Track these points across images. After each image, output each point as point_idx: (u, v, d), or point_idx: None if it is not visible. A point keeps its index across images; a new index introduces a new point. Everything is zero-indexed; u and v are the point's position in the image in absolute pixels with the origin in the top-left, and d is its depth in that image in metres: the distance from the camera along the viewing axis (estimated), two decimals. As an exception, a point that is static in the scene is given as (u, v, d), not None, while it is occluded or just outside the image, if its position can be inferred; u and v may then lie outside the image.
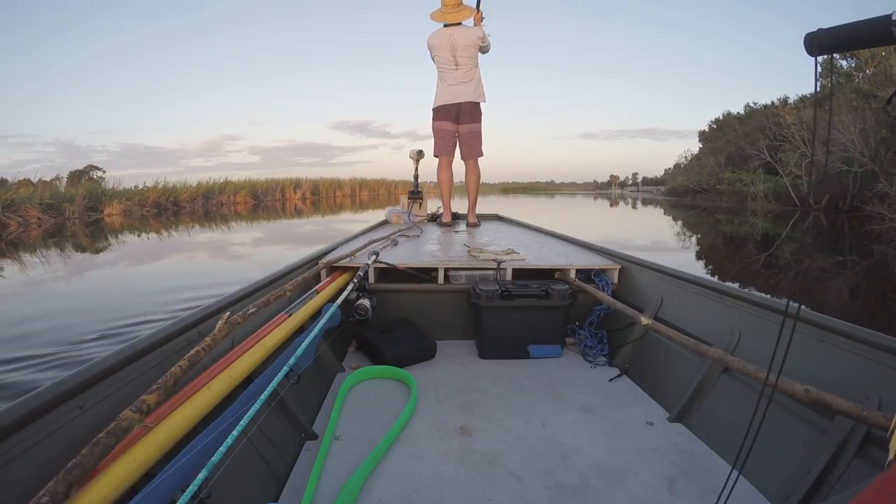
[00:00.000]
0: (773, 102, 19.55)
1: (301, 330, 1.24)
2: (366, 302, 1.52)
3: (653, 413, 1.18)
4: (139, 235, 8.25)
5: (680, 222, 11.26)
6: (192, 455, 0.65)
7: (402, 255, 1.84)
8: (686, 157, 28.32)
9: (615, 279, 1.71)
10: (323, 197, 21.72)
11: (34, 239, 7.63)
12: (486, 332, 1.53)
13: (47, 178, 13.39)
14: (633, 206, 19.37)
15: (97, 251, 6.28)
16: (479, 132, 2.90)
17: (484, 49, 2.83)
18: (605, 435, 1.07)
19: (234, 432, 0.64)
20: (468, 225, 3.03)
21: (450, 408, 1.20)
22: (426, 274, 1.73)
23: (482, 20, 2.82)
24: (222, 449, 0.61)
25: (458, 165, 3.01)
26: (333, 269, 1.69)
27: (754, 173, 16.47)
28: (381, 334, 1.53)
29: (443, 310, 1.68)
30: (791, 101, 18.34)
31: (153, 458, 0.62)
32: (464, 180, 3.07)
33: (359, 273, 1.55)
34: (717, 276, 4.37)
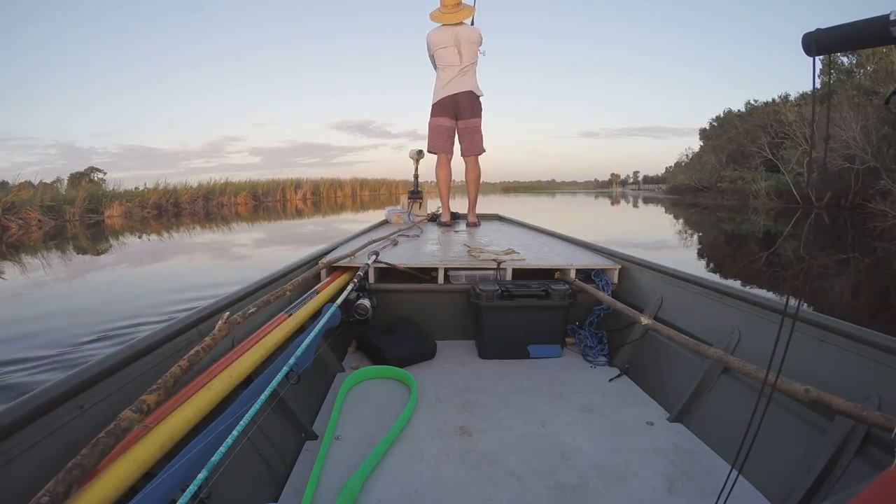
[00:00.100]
0: (774, 100, 19.52)
1: (301, 330, 1.24)
2: (366, 302, 1.52)
3: (653, 413, 1.18)
4: (140, 237, 8.27)
5: (681, 221, 11.24)
6: (192, 455, 0.65)
7: (402, 255, 1.84)
8: (687, 156, 28.27)
9: (615, 279, 1.71)
10: (324, 197, 21.74)
11: (35, 241, 7.65)
12: (486, 332, 1.53)
13: (48, 181, 13.44)
14: (635, 205, 19.34)
15: (98, 253, 6.30)
16: (480, 127, 2.89)
17: (481, 50, 2.83)
18: (605, 435, 1.07)
19: (234, 432, 0.64)
20: (468, 225, 3.02)
21: (450, 408, 1.20)
22: (426, 274, 1.73)
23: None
24: (222, 449, 0.61)
25: (457, 165, 3.00)
26: (333, 269, 1.69)
27: (756, 171, 16.43)
28: (381, 334, 1.53)
29: (443, 310, 1.68)
30: (792, 98, 18.30)
31: (153, 458, 0.63)
32: (464, 178, 3.06)
33: (359, 273, 1.55)
34: (718, 275, 4.36)
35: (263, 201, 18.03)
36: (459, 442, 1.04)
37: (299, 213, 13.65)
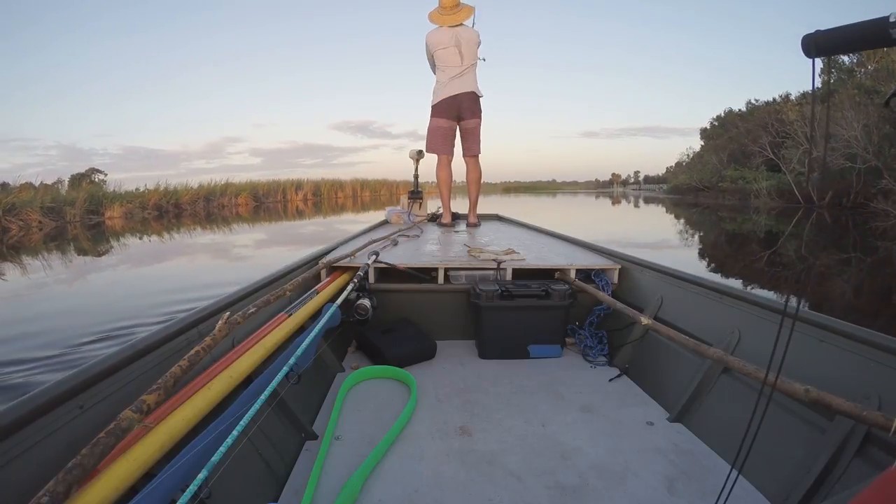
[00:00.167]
0: (775, 99, 19.50)
1: (301, 330, 1.24)
2: (366, 302, 1.52)
3: (653, 413, 1.18)
4: (140, 238, 8.28)
5: (682, 220, 11.23)
6: (192, 455, 0.66)
7: (402, 255, 1.84)
8: (688, 155, 28.24)
9: (615, 279, 1.71)
10: (324, 198, 21.75)
11: (35, 242, 7.66)
12: (486, 332, 1.53)
13: (49, 182, 13.48)
14: (636, 205, 19.33)
15: (98, 254, 6.30)
16: (480, 128, 2.90)
17: (481, 56, 2.84)
18: (605, 435, 1.07)
19: (234, 432, 0.64)
20: (468, 225, 3.02)
21: (450, 408, 1.20)
22: (426, 274, 1.73)
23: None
24: (222, 449, 0.61)
25: (457, 165, 3.01)
26: (333, 269, 1.69)
27: (757, 170, 16.40)
28: (381, 334, 1.53)
29: (443, 310, 1.68)
30: (793, 97, 18.27)
31: (153, 458, 0.63)
32: (464, 179, 3.06)
33: (359, 273, 1.55)
34: (720, 275, 4.36)
35: (264, 202, 18.05)
36: (459, 442, 1.04)
37: (300, 214, 13.66)
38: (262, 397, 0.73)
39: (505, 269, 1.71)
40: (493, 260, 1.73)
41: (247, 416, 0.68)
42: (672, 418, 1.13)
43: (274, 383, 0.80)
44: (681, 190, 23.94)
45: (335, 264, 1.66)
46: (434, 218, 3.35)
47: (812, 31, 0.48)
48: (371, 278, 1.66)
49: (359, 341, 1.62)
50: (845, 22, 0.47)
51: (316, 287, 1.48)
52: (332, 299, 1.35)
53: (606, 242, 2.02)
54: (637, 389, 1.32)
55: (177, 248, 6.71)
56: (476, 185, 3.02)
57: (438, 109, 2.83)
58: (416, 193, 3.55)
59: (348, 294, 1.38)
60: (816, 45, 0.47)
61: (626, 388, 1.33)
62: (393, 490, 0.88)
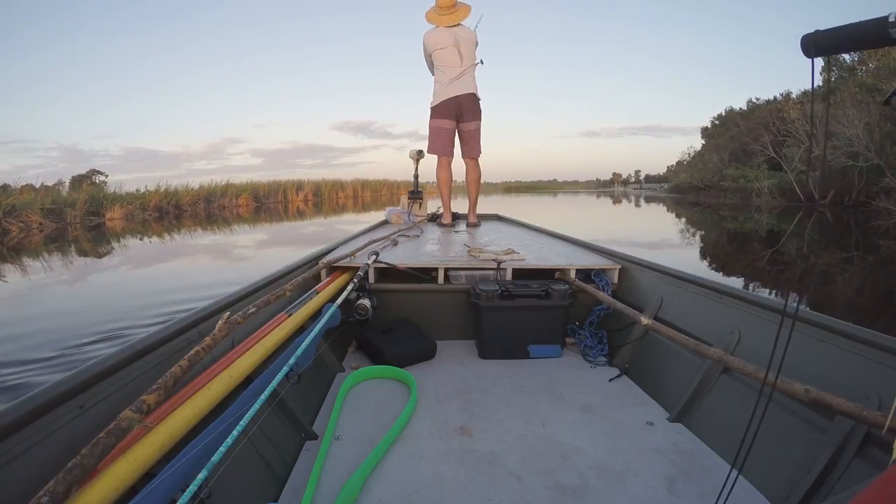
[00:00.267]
0: (776, 97, 19.45)
1: (301, 330, 1.24)
2: (366, 302, 1.53)
3: (653, 413, 1.18)
4: (141, 239, 8.30)
5: (683, 219, 11.22)
6: (192, 455, 0.66)
7: (402, 255, 1.84)
8: (689, 154, 28.19)
9: (615, 279, 1.71)
10: (325, 198, 21.76)
11: (36, 244, 7.68)
12: (486, 332, 1.53)
13: (49, 183, 13.53)
14: (637, 205, 19.31)
15: (99, 255, 6.32)
16: (480, 130, 2.90)
17: (479, 59, 2.84)
18: (605, 435, 1.07)
19: (234, 432, 0.64)
20: (468, 225, 3.02)
21: (450, 408, 1.20)
22: (426, 274, 1.73)
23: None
24: (222, 449, 0.61)
25: (456, 165, 3.00)
26: (333, 269, 1.69)
27: (758, 169, 16.37)
28: (381, 334, 1.53)
29: (443, 310, 1.68)
30: (794, 95, 18.22)
31: (153, 458, 0.63)
32: (464, 179, 3.06)
33: (359, 273, 1.55)
34: (721, 274, 4.35)
35: (265, 203, 18.06)
36: (459, 442, 1.04)
37: (301, 215, 13.67)
38: (262, 397, 0.73)
39: (505, 269, 1.71)
40: (493, 260, 1.73)
41: (247, 416, 0.68)
42: (672, 418, 1.13)
43: (274, 383, 0.80)
44: (682, 189, 23.90)
45: (335, 264, 1.66)
46: (434, 218, 3.35)
47: (812, 30, 0.48)
48: (371, 278, 1.66)
49: (359, 341, 1.62)
50: (846, 21, 0.47)
51: (316, 287, 1.48)
52: (332, 299, 1.35)
53: (607, 242, 2.02)
54: (637, 389, 1.32)
55: (177, 250, 6.73)
56: (476, 186, 3.03)
57: (439, 111, 2.83)
58: (416, 193, 3.55)
59: (348, 294, 1.38)
60: (816, 44, 0.47)
61: (626, 388, 1.33)
62: (393, 490, 0.88)
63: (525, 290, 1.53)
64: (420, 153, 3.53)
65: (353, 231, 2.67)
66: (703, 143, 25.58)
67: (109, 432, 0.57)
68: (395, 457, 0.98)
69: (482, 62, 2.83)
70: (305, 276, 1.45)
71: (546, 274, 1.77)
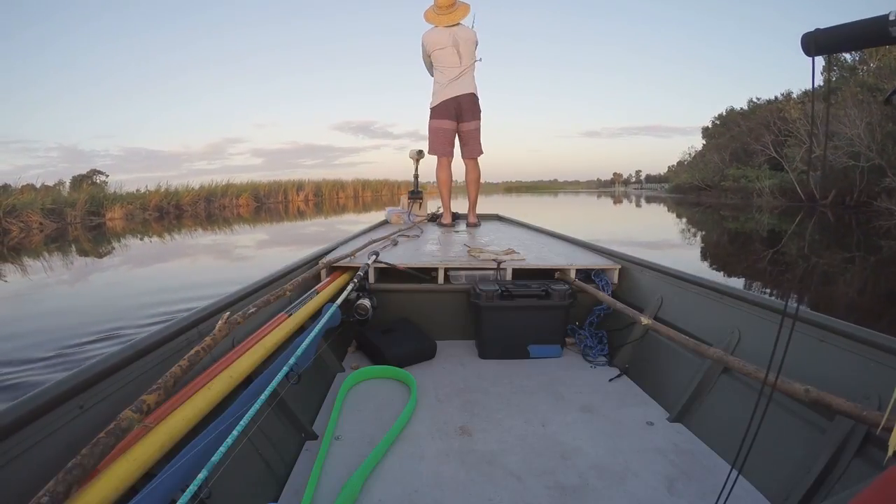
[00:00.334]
0: (777, 97, 19.42)
1: (301, 330, 1.24)
2: (366, 302, 1.53)
3: (653, 413, 1.18)
4: (141, 239, 8.31)
5: (684, 219, 11.21)
6: (192, 455, 0.66)
7: (402, 255, 1.84)
8: (690, 154, 28.15)
9: (615, 279, 1.71)
10: (326, 198, 21.77)
11: (36, 244, 7.69)
12: (486, 332, 1.53)
13: (50, 184, 13.55)
14: (637, 205, 19.30)
15: (99, 255, 6.33)
16: (479, 130, 2.90)
17: (478, 56, 2.84)
18: (605, 435, 1.07)
19: (234, 432, 0.64)
20: (468, 225, 3.02)
21: (450, 408, 1.20)
22: (426, 274, 1.73)
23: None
24: (222, 449, 0.61)
25: (456, 165, 3.00)
26: (333, 269, 1.69)
27: (759, 169, 16.34)
28: (381, 334, 1.53)
29: (443, 310, 1.68)
30: (795, 95, 18.19)
31: (153, 458, 0.63)
32: (463, 180, 3.06)
33: (359, 273, 1.55)
34: (722, 274, 4.35)
35: (265, 203, 18.07)
36: (459, 442, 1.04)
37: (301, 215, 13.67)
38: (262, 397, 0.74)
39: (505, 269, 1.71)
40: (493, 260, 1.73)
41: (247, 416, 0.68)
42: (672, 418, 1.13)
43: (274, 383, 0.80)
44: (683, 189, 23.89)
45: (335, 264, 1.66)
46: (434, 218, 3.35)
47: (812, 29, 0.48)
48: (371, 278, 1.66)
49: (359, 341, 1.62)
50: (845, 21, 0.47)
51: (316, 287, 1.48)
52: (332, 299, 1.35)
53: (607, 242, 2.01)
54: (637, 389, 1.32)
55: (177, 250, 6.73)
56: (475, 186, 3.02)
57: (439, 111, 2.83)
58: (416, 193, 3.55)
59: (348, 294, 1.38)
60: (816, 43, 0.47)
61: (626, 388, 1.33)
62: (393, 490, 0.88)
63: (525, 290, 1.53)
64: (420, 153, 3.53)
65: (354, 231, 2.68)
66: (704, 143, 25.56)
67: (109, 432, 0.57)
68: (395, 457, 0.98)
69: (480, 59, 2.83)
70: (305, 276, 1.45)
71: (546, 274, 1.77)
